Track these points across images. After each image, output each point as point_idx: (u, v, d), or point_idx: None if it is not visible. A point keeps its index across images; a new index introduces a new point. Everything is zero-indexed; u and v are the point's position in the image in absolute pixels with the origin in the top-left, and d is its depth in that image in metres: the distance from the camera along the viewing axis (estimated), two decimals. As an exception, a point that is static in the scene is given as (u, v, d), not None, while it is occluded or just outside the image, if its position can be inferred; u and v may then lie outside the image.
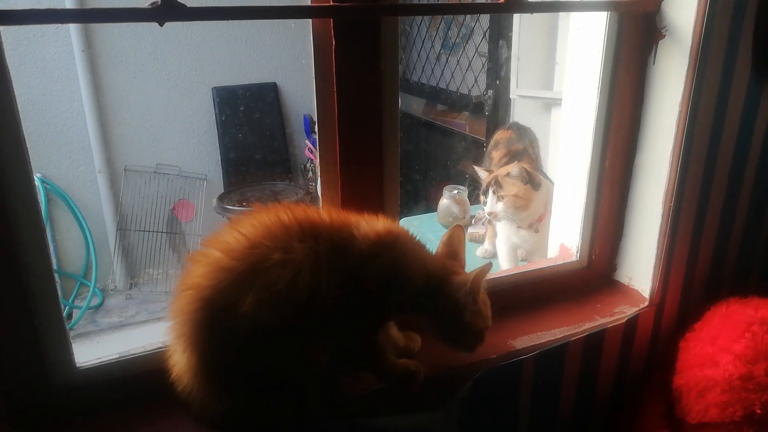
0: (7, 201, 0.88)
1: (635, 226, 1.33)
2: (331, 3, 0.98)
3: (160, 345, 1.07)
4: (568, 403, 1.32)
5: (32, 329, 0.95)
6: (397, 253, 0.92)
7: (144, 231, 4.20)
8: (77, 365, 1.01)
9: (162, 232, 4.25)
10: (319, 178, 1.11)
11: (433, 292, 0.95)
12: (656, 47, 1.22)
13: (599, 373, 1.33)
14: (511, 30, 3.45)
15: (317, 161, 1.11)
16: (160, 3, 0.86)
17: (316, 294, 0.86)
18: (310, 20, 1.01)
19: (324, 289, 0.87)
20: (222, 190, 4.33)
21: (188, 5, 0.87)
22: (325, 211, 0.94)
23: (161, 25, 0.87)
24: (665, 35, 1.20)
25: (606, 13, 1.22)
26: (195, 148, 4.33)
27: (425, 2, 4.17)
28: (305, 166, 4.52)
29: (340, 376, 1.00)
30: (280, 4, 0.94)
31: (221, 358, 0.88)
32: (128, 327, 3.87)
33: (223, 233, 0.88)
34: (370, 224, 0.94)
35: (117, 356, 1.05)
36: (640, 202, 1.31)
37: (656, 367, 1.37)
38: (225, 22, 4.05)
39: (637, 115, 1.27)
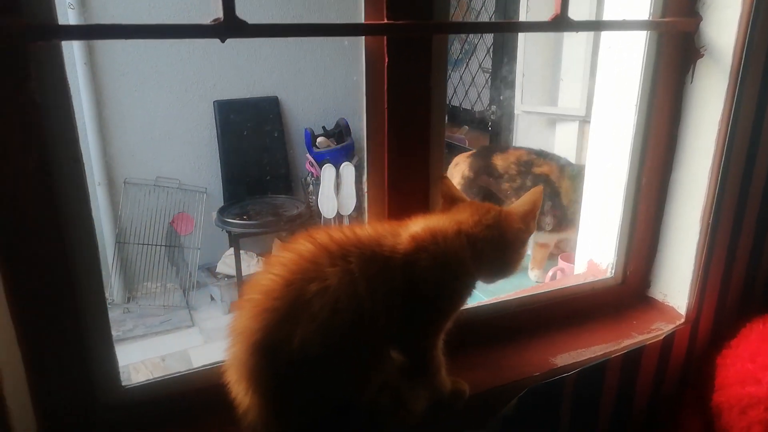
0: (63, 222, 0.87)
1: (671, 243, 1.34)
2: (386, 21, 0.98)
3: (205, 364, 1.06)
4: (606, 420, 1.32)
5: (82, 349, 0.93)
6: (435, 250, 0.91)
7: (142, 244, 4.16)
8: (123, 384, 1.00)
9: (161, 245, 4.21)
10: (366, 195, 1.11)
11: (492, 242, 0.96)
12: (694, 66, 1.23)
13: (636, 391, 1.33)
14: (515, 46, 3.48)
15: (365, 179, 1.10)
16: (222, 20, 0.85)
17: (363, 313, 0.86)
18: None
19: (369, 306, 0.87)
20: (222, 204, 4.32)
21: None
22: (349, 229, 0.92)
23: (222, 41, 0.87)
24: (704, 54, 1.21)
25: (645, 32, 1.23)
26: (195, 162, 4.32)
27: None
28: (306, 180, 4.51)
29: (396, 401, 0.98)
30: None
31: (283, 395, 0.87)
32: (126, 341, 3.82)
33: (258, 278, 0.89)
34: (403, 231, 0.93)
35: (162, 375, 1.03)
36: (677, 219, 1.31)
37: (691, 384, 1.37)
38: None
39: (673, 133, 1.28)
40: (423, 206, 1.11)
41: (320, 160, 4.34)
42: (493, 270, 1.01)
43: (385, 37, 0.99)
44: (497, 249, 0.98)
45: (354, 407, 0.93)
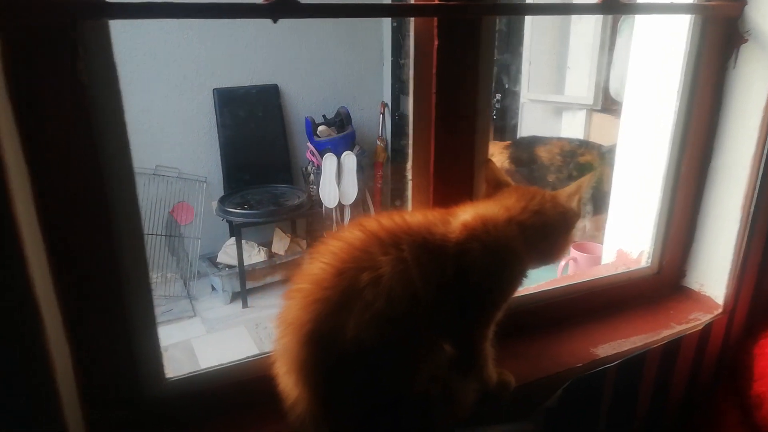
0: (111, 212, 0.83)
1: (709, 231, 1.32)
2: (437, 2, 0.94)
3: (248, 355, 1.04)
4: (643, 410, 1.31)
5: (128, 342, 0.90)
6: (486, 239, 0.88)
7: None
8: (167, 377, 0.97)
9: (161, 234, 4.15)
10: (410, 182, 1.08)
11: (539, 229, 0.93)
12: (737, 51, 1.21)
13: (673, 381, 1.32)
14: (522, 34, 3.45)
15: (409, 164, 1.07)
16: (275, -1, 0.82)
17: (417, 302, 0.84)
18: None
19: (422, 294, 0.84)
20: (222, 193, 4.26)
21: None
22: (399, 216, 0.89)
23: (275, 21, 0.84)
24: (747, 39, 1.19)
25: (685, 17, 1.21)
26: (195, 150, 4.25)
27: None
28: (306, 169, 4.47)
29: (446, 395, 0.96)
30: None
31: (334, 387, 0.85)
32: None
33: (308, 266, 0.86)
34: (452, 218, 0.91)
35: (205, 367, 1.00)
36: (716, 207, 1.29)
37: (728, 374, 1.36)
38: (227, 22, 3.99)
39: (714, 119, 1.26)
40: (467, 192, 1.09)
41: (321, 149, 4.30)
42: (541, 256, 0.99)
43: (435, 19, 0.96)
44: (545, 235, 0.95)
45: (404, 399, 0.90)
